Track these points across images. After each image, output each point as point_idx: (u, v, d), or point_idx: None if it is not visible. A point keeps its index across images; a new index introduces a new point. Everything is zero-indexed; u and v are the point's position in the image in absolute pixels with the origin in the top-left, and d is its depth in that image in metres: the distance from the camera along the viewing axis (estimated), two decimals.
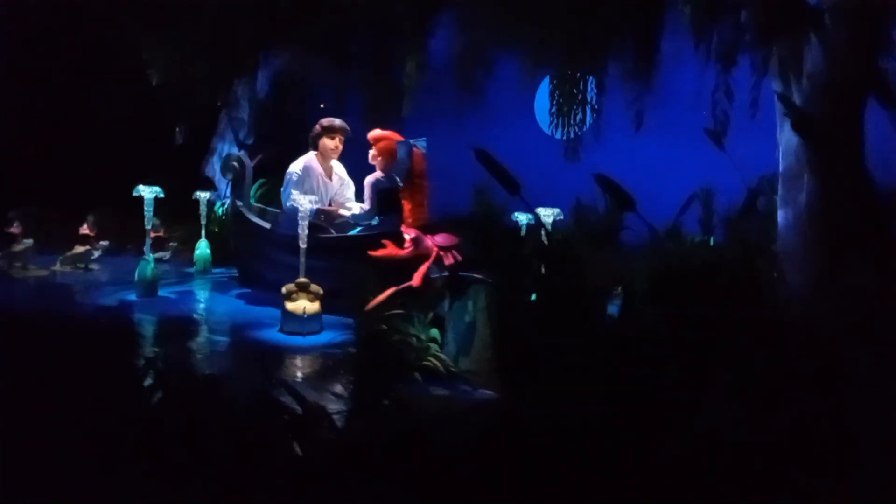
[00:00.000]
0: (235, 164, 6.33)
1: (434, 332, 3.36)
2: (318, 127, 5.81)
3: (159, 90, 7.93)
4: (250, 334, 4.53)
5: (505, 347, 3.12)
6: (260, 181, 7.74)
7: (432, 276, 3.40)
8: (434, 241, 3.43)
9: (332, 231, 5.75)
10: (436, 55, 8.15)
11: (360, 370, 3.27)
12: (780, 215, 4.63)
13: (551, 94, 6.94)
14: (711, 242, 5.42)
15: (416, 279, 3.41)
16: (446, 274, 3.38)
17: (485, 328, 3.20)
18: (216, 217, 7.82)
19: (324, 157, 5.85)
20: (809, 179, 4.46)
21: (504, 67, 8.09)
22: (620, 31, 6.33)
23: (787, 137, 4.58)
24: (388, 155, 5.55)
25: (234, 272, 6.66)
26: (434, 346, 3.32)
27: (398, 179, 5.60)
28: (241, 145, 8.38)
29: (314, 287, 4.48)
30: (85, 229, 7.47)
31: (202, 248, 6.94)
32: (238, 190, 6.31)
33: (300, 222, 4.65)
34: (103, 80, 8.12)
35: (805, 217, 4.45)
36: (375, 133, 5.64)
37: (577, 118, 6.92)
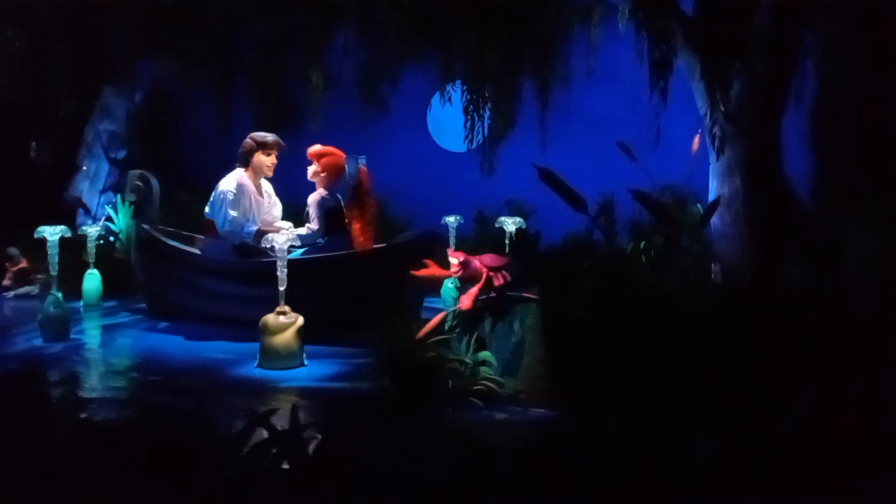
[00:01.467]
0: (140, 183, 5.67)
1: (485, 354, 3.28)
2: (250, 142, 5.38)
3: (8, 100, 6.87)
4: (234, 373, 4.10)
5: (561, 365, 3.15)
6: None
7: (480, 297, 3.32)
8: (482, 263, 3.35)
9: (273, 254, 5.36)
10: (330, 67, 7.92)
11: (411, 402, 3.10)
12: (716, 220, 5.13)
13: (465, 107, 7.03)
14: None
15: (467, 302, 3.30)
16: (493, 295, 3.32)
17: (535, 347, 3.20)
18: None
19: (255, 175, 5.43)
20: (742, 188, 5.01)
21: (400, 79, 8.05)
22: (534, 42, 6.58)
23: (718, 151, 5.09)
24: (335, 171, 5.31)
25: (124, 303, 5.98)
26: (486, 369, 3.25)
27: (340, 197, 5.38)
28: (112, 161, 7.49)
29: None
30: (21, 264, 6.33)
31: (93, 280, 6.09)
32: (144, 212, 5.65)
33: (278, 262, 4.26)
34: None
35: (741, 220, 4.99)
36: (317, 148, 5.36)
37: (486, 129, 7.09)
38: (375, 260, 4.94)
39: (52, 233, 4.80)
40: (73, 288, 6.25)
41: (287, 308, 4.21)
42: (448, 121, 8.72)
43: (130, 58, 7.20)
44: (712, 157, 5.18)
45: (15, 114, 6.99)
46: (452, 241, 6.26)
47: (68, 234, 4.97)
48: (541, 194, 7.96)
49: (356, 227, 5.29)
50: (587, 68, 7.02)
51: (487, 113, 7.19)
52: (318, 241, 5.27)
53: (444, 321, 3.32)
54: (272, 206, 5.64)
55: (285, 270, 4.24)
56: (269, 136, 5.42)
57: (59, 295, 4.84)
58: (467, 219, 7.57)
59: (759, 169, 4.95)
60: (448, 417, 3.13)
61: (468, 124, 7.14)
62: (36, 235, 4.88)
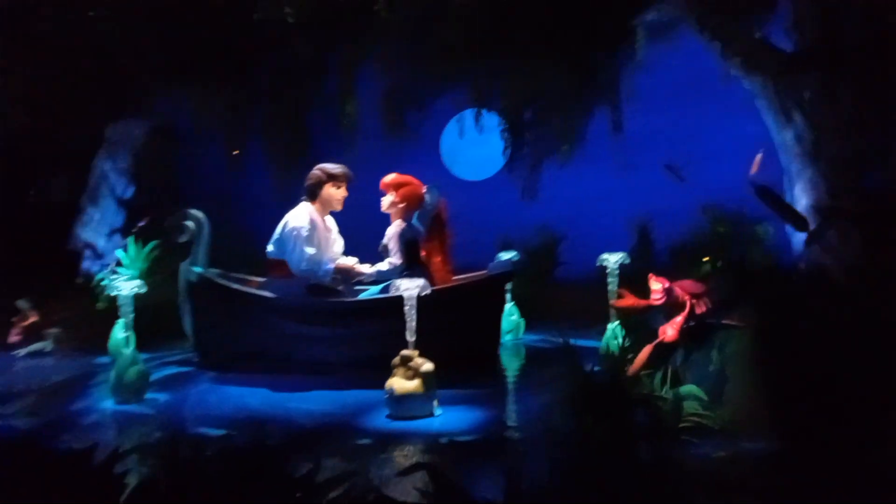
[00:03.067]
0: (191, 223, 5.16)
1: (691, 388, 3.07)
2: (319, 174, 5.02)
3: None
4: (363, 425, 3.71)
5: (775, 393, 2.98)
6: (151, 244, 6.40)
7: (684, 326, 3.12)
8: (684, 289, 3.15)
9: (345, 291, 5.00)
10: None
11: (632, 442, 2.84)
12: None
13: (502, 132, 6.86)
14: None
15: (673, 333, 3.09)
16: (692, 324, 3.12)
17: (742, 375, 3.02)
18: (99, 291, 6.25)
19: (323, 208, 5.06)
20: (826, 202, 5.02)
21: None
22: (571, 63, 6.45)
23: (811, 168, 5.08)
24: (414, 201, 5.02)
25: (161, 355, 5.41)
26: (693, 404, 3.03)
27: (419, 228, 5.08)
28: (119, 202, 6.89)
29: (416, 361, 3.79)
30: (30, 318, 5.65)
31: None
32: (196, 254, 5.14)
33: (407, 311, 3.89)
34: None
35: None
36: (394, 178, 5.07)
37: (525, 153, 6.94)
38: (485, 291, 4.69)
39: (126, 288, 4.26)
40: (88, 340, 5.68)
41: (410, 353, 3.85)
42: (462, 149, 8.52)
43: (140, 89, 6.65)
44: (788, 175, 5.16)
45: (15, 154, 6.33)
46: None
47: (144, 290, 4.42)
48: (572, 220, 7.86)
49: (436, 260, 5.02)
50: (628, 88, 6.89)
51: (520, 137, 7.06)
52: (398, 275, 4.94)
53: (651, 355, 3.10)
54: (334, 241, 5.27)
55: (414, 319, 3.87)
56: (339, 168, 5.07)
57: (136, 351, 4.30)
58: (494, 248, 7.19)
59: (844, 182, 4.98)
60: (660, 456, 2.89)
61: (506, 150, 6.97)
62: (109, 292, 4.34)
